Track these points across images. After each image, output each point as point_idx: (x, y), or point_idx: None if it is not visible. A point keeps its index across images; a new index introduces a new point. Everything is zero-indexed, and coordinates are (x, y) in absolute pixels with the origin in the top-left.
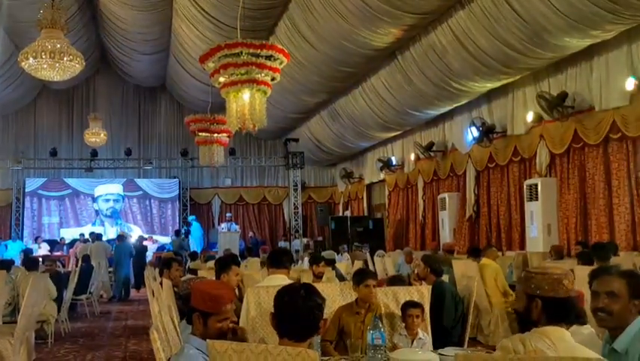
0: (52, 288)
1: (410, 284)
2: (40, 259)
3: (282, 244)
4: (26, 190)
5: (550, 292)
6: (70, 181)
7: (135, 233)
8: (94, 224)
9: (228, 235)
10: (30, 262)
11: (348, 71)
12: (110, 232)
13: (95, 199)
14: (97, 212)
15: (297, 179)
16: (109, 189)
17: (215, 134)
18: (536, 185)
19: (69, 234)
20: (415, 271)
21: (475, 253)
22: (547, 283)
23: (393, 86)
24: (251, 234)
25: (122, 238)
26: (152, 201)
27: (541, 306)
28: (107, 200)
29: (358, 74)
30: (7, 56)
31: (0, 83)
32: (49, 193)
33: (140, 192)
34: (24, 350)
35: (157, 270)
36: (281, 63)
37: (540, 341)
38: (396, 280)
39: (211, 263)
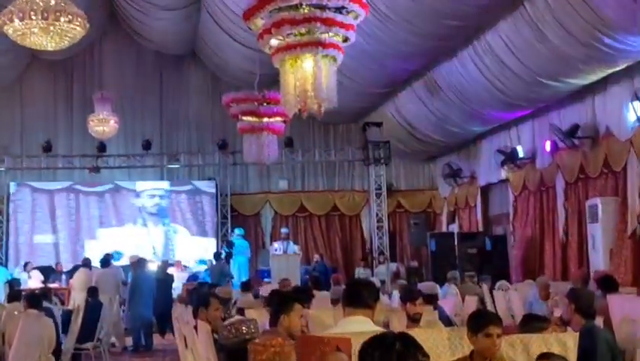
0: (50, 334)
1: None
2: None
3: (360, 272)
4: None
5: None
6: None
7: (162, 257)
8: (135, 223)
9: (284, 259)
10: (15, 295)
11: (453, 25)
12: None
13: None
14: (139, 210)
15: (382, 179)
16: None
17: (266, 119)
18: None
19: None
20: (555, 312)
21: None
22: None
23: (519, 46)
24: (316, 257)
25: (139, 263)
26: (203, 197)
27: None
28: (152, 196)
29: (468, 29)
30: None
31: None
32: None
33: (190, 186)
34: None
35: (189, 308)
36: (356, 17)
37: None
38: (531, 321)
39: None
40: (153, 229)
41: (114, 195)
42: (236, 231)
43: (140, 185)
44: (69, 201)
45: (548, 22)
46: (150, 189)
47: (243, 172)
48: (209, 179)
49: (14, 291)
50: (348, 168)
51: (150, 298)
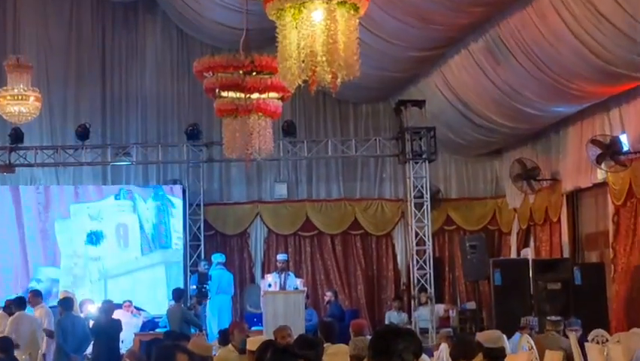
0: None
1: None
2: None
3: (393, 316)
4: None
5: None
6: None
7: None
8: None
9: (282, 299)
10: None
11: None
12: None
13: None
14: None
15: (424, 183)
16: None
17: (256, 95)
18: None
19: None
20: None
21: None
22: None
23: None
24: (329, 296)
25: (64, 304)
26: (165, 209)
27: None
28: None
29: None
30: None
31: None
32: None
33: (148, 192)
34: None
35: None
36: None
37: None
38: None
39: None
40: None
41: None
42: (215, 258)
43: (74, 208)
44: None
45: None
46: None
47: (222, 173)
48: (174, 182)
49: None
50: (375, 167)
51: (80, 354)
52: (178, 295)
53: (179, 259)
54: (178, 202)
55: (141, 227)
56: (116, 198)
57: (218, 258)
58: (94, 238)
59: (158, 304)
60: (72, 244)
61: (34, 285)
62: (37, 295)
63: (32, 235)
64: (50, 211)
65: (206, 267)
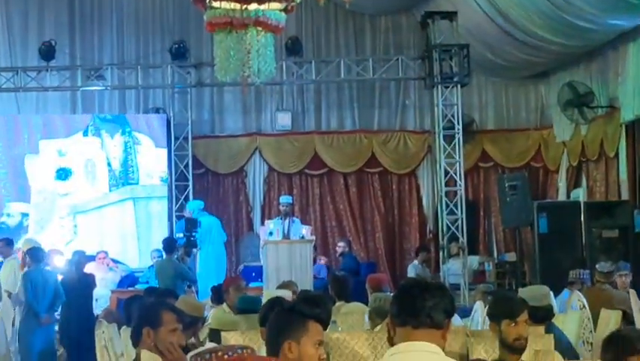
0: None
1: None
2: None
3: (416, 269)
4: None
5: None
6: None
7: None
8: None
9: (286, 249)
10: None
11: None
12: None
13: None
14: None
15: (455, 112)
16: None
17: (254, 5)
18: None
19: None
20: None
21: None
22: None
23: None
24: (341, 246)
25: (32, 255)
26: (144, 143)
27: None
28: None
29: None
30: None
31: None
32: None
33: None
34: None
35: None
36: None
37: None
38: None
39: (254, 318)
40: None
41: None
42: (190, 206)
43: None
44: None
45: None
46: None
47: (214, 100)
48: (157, 111)
49: None
50: (396, 93)
51: (52, 314)
52: (170, 245)
53: (148, 194)
54: (144, 138)
55: (109, 163)
56: (84, 135)
57: (196, 205)
58: (62, 174)
59: (127, 250)
60: (41, 179)
61: (4, 220)
62: (9, 245)
63: (3, 169)
64: (19, 146)
65: (194, 212)
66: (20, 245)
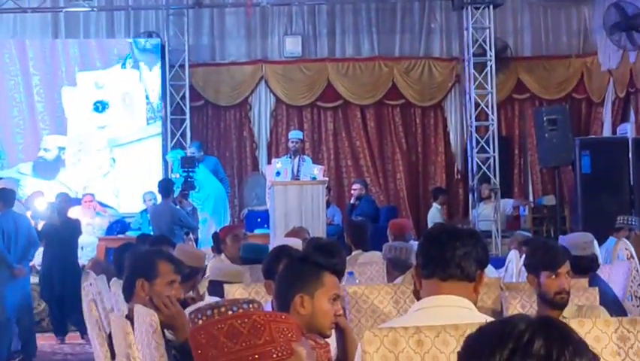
0: None
1: None
2: None
3: (439, 212)
4: None
5: None
6: None
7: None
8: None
9: (295, 191)
10: None
11: None
12: None
13: None
14: None
15: (487, 36)
16: None
17: None
18: None
19: None
20: None
21: None
22: None
23: None
24: (357, 187)
25: (5, 196)
26: (139, 71)
27: None
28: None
29: None
30: None
31: None
32: None
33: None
34: None
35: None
36: None
37: None
38: None
39: (260, 269)
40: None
41: None
42: (172, 155)
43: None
44: None
45: None
46: None
47: (214, 23)
48: (149, 35)
49: None
50: (420, 15)
51: (26, 264)
52: (166, 188)
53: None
54: (155, 60)
55: (147, 96)
56: (122, 67)
57: (195, 145)
58: (100, 106)
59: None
60: (78, 112)
61: (42, 154)
62: None
63: (40, 101)
64: (57, 78)
65: (196, 153)
66: None
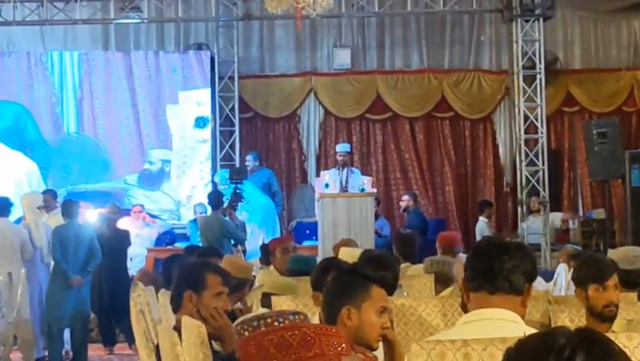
0: None
1: None
2: None
3: (486, 225)
4: None
5: None
6: None
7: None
8: None
9: (344, 204)
10: None
11: None
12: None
13: None
14: None
15: (537, 49)
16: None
17: None
18: None
19: None
20: None
21: None
22: None
23: None
24: (406, 200)
25: (67, 209)
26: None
27: None
28: None
29: None
30: None
31: None
32: None
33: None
34: None
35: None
36: None
37: None
38: None
39: (306, 280)
40: None
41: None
42: (248, 157)
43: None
44: None
45: None
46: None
47: (264, 35)
48: (199, 47)
49: None
50: (470, 27)
51: (84, 275)
52: (216, 200)
53: None
54: (204, 72)
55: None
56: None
57: (253, 156)
58: (201, 122)
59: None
60: (181, 128)
61: (147, 167)
62: (55, 197)
63: (145, 117)
64: (161, 98)
65: (251, 163)
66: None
